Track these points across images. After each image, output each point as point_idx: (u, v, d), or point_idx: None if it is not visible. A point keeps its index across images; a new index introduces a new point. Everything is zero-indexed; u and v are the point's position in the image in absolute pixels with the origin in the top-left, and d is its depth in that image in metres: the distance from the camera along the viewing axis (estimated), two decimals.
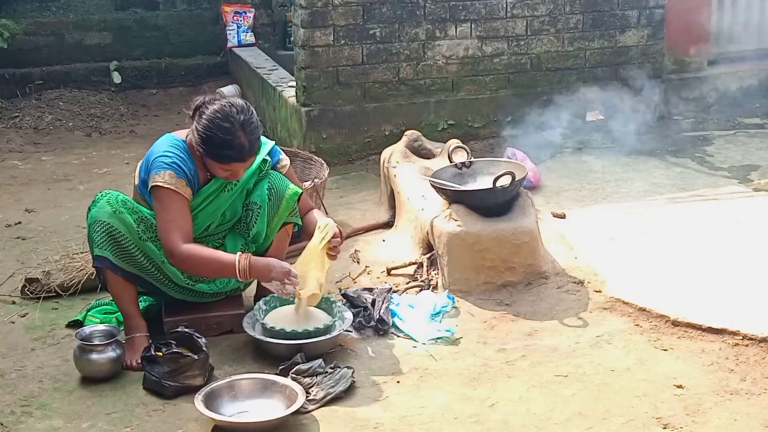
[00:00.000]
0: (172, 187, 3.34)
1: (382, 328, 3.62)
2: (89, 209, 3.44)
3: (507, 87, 6.10)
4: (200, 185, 3.45)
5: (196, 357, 3.20)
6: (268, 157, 3.58)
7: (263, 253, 3.57)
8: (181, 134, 3.48)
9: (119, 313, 3.59)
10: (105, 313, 3.71)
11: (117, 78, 7.71)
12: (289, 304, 3.57)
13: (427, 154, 4.77)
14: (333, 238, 3.46)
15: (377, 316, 3.63)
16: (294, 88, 5.99)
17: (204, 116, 3.30)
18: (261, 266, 3.35)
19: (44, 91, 7.51)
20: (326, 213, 4.71)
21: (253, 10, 8.06)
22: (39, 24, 7.83)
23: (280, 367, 3.25)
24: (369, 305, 3.69)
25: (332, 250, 3.48)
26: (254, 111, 3.40)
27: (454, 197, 4.03)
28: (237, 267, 3.31)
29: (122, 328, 3.51)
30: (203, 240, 3.52)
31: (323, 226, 3.46)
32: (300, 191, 3.62)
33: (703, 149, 5.86)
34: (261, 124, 3.41)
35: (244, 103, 3.38)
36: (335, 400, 3.14)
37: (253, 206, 3.55)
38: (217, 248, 3.50)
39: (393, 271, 4.15)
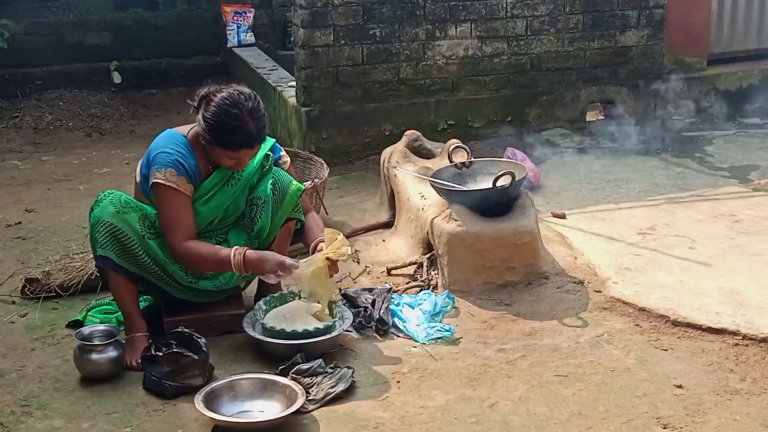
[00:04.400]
0: (173, 185, 3.35)
1: (382, 328, 3.62)
2: (92, 209, 3.43)
3: (507, 87, 6.10)
4: (202, 180, 3.46)
5: (196, 357, 3.20)
6: (270, 153, 3.60)
7: (266, 248, 3.55)
8: (183, 130, 3.49)
9: (119, 313, 3.59)
10: (105, 313, 3.71)
11: (117, 78, 7.70)
12: (287, 302, 3.59)
13: (427, 154, 4.76)
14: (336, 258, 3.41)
15: (377, 316, 3.63)
16: (294, 88, 5.99)
17: (212, 103, 3.32)
18: (255, 260, 3.36)
19: (44, 91, 7.50)
20: (326, 213, 4.72)
21: (253, 10, 8.06)
22: (39, 24, 7.82)
23: (280, 367, 3.25)
24: (369, 305, 3.69)
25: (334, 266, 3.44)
26: (261, 99, 3.42)
27: (454, 197, 4.03)
28: (232, 261, 3.35)
29: (122, 328, 3.51)
30: (207, 235, 3.53)
31: (338, 241, 3.39)
32: (303, 187, 3.63)
33: (703, 149, 5.86)
34: (266, 114, 3.43)
35: (251, 92, 3.41)
36: (335, 400, 3.13)
37: (258, 201, 3.55)
38: (220, 243, 3.52)
39: (393, 271, 4.15)
